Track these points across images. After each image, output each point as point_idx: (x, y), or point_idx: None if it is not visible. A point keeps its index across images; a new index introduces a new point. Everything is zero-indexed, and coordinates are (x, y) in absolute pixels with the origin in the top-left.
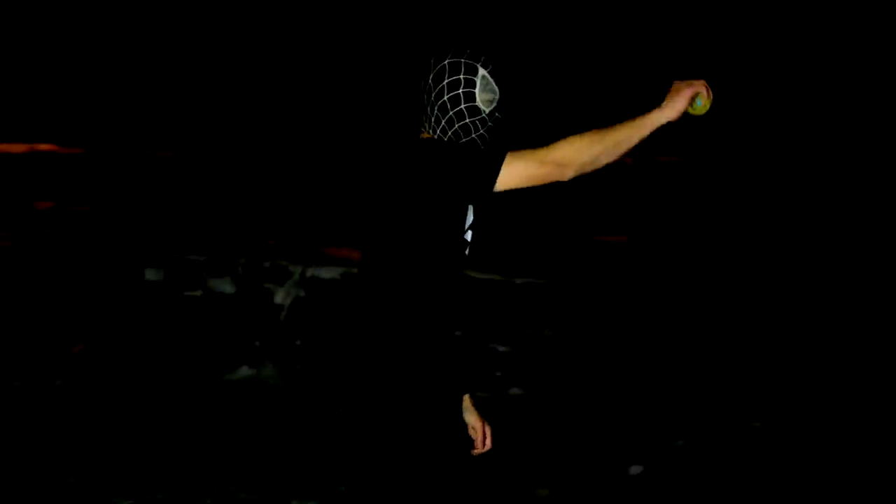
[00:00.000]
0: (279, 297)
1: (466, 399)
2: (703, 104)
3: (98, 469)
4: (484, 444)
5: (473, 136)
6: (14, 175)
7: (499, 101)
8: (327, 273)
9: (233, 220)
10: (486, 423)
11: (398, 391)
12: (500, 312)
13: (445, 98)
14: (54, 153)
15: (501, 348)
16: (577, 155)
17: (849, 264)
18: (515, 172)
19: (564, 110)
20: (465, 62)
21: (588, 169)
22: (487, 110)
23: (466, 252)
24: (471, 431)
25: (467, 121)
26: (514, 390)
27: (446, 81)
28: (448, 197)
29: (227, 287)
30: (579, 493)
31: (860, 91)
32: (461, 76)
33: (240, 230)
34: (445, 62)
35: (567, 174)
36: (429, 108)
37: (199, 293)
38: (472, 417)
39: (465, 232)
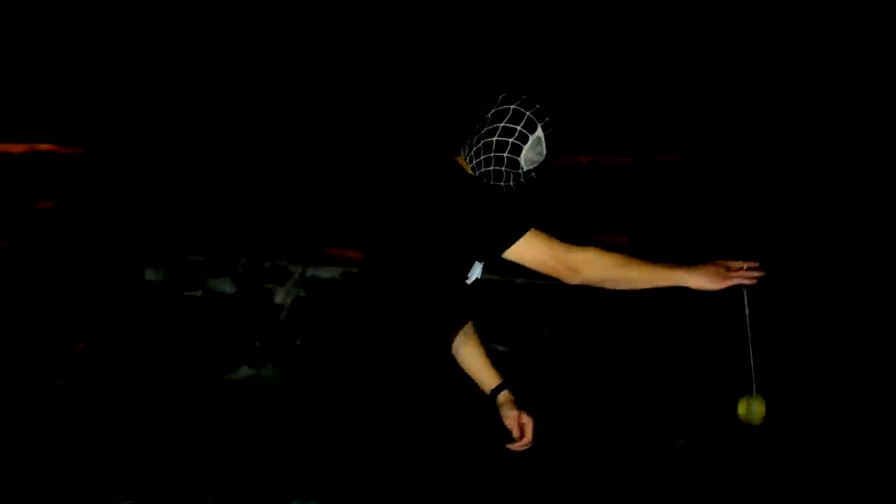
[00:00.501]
0: (279, 297)
1: (505, 394)
2: (757, 412)
3: (98, 469)
4: (522, 438)
5: (502, 183)
6: (14, 175)
7: (540, 165)
8: (327, 273)
9: (233, 220)
10: (523, 415)
11: (369, 383)
12: (500, 312)
13: (495, 139)
14: (54, 153)
15: (501, 348)
16: (593, 271)
17: (849, 264)
18: (529, 252)
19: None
20: (528, 116)
21: (594, 284)
22: (526, 168)
23: (467, 288)
24: (508, 424)
25: (503, 169)
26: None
27: (503, 124)
28: (458, 247)
29: (227, 287)
30: (579, 493)
31: (860, 91)
32: (519, 127)
33: (240, 230)
34: (512, 106)
35: (573, 280)
36: (476, 137)
37: (199, 293)
38: (510, 412)
39: (466, 278)
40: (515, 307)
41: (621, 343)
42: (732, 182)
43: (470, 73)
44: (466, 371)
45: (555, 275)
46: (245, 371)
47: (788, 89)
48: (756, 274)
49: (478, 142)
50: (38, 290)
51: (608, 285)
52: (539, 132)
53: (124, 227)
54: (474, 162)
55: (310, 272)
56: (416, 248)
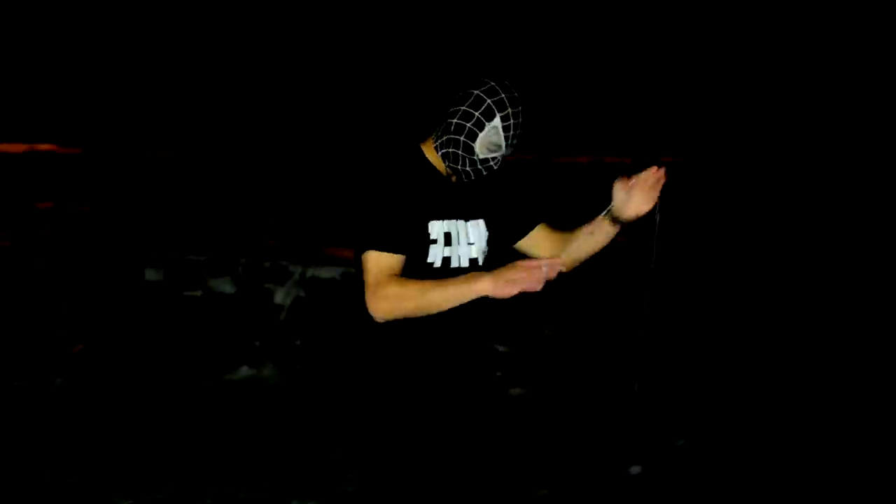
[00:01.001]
0: (279, 297)
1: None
2: None
3: (98, 469)
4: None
5: (458, 167)
6: (14, 175)
7: (501, 157)
8: (327, 273)
9: (233, 220)
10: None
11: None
12: (500, 312)
13: (454, 121)
14: (54, 153)
15: (501, 348)
16: (393, 305)
17: (849, 264)
18: (365, 268)
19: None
20: (489, 104)
21: (397, 317)
22: (482, 156)
23: (444, 272)
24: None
25: (459, 152)
26: (515, 390)
27: (463, 108)
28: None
29: (227, 287)
30: (579, 493)
31: (860, 91)
32: (477, 113)
33: (240, 230)
34: (476, 91)
35: (377, 312)
36: (446, 117)
37: (199, 293)
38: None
39: (427, 262)
40: (515, 307)
41: (621, 343)
42: (732, 182)
43: (469, 74)
44: (592, 247)
45: (367, 297)
46: (245, 371)
47: (788, 89)
48: (549, 273)
49: (443, 121)
50: (38, 290)
51: (416, 314)
52: (497, 122)
53: (124, 227)
54: (437, 142)
55: (310, 272)
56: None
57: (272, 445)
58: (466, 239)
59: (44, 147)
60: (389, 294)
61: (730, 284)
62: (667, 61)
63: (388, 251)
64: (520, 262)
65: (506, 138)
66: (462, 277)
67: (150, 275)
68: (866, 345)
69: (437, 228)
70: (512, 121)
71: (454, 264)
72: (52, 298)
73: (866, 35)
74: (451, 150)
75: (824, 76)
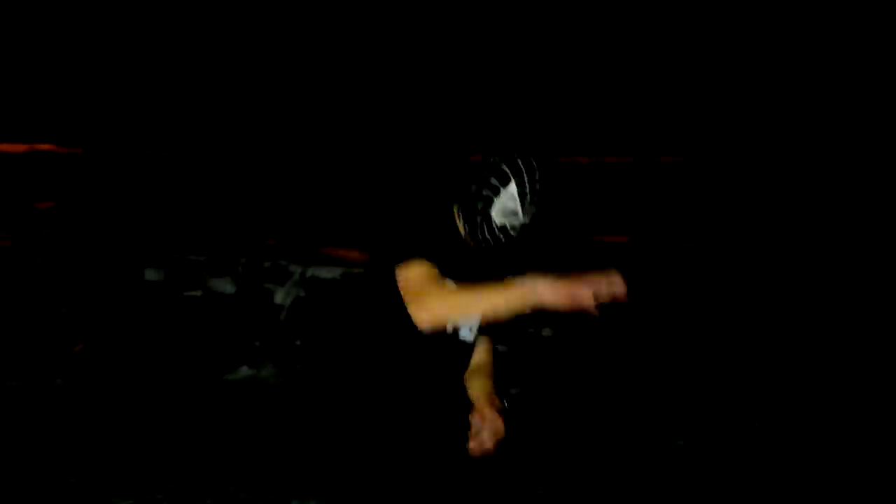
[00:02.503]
0: (279, 297)
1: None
2: None
3: (98, 469)
4: (481, 441)
5: (478, 234)
6: (14, 175)
7: (520, 225)
8: (327, 273)
9: (233, 220)
10: (490, 420)
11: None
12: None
13: (473, 187)
14: (54, 153)
15: (501, 348)
16: (441, 313)
17: (849, 264)
18: (401, 279)
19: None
20: (504, 169)
21: (443, 322)
22: (499, 223)
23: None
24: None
25: (477, 220)
26: (514, 390)
27: (484, 173)
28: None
29: (227, 287)
30: (579, 493)
31: (860, 91)
32: (493, 180)
33: (240, 230)
34: (493, 158)
35: (421, 322)
36: (468, 187)
37: (199, 293)
38: (484, 409)
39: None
40: None
41: (621, 343)
42: (732, 182)
43: (469, 74)
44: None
45: (408, 309)
46: (245, 371)
47: (788, 89)
48: (611, 292)
49: (464, 185)
50: (38, 290)
51: (466, 318)
52: (511, 188)
53: (124, 227)
54: (458, 208)
55: (310, 272)
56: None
57: (272, 445)
58: None
59: (44, 147)
60: (432, 306)
61: (729, 284)
62: (667, 61)
63: (424, 259)
64: (583, 276)
65: (522, 205)
66: (516, 284)
67: (150, 275)
68: (866, 345)
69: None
70: (528, 186)
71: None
72: (52, 298)
73: (866, 35)
74: (470, 217)
75: (825, 76)
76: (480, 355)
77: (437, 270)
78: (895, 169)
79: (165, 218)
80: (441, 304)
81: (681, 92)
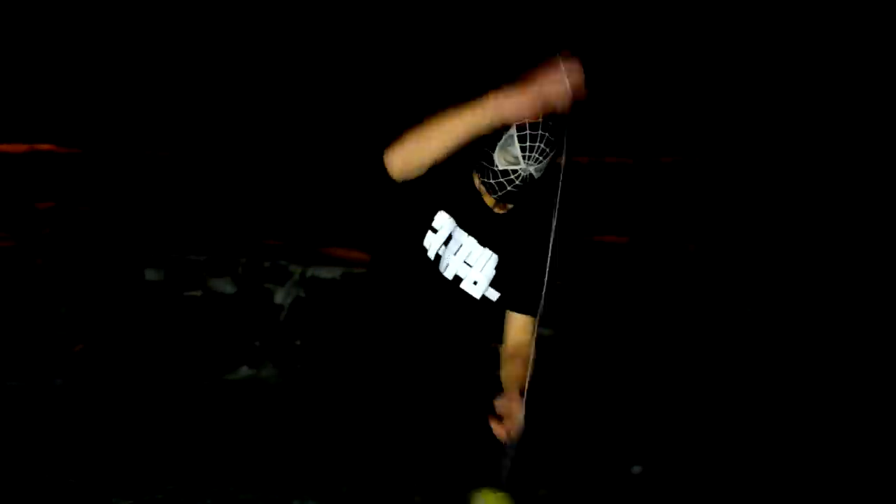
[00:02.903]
0: (279, 297)
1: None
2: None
3: (98, 469)
4: (507, 432)
5: (484, 179)
6: (14, 175)
7: (524, 173)
8: (327, 273)
9: (233, 220)
10: (513, 411)
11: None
12: (499, 312)
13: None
14: (54, 153)
15: (546, 332)
16: (412, 147)
17: (849, 264)
18: (396, 155)
19: None
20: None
21: (415, 166)
22: (501, 168)
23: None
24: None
25: (483, 163)
26: None
27: None
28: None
29: (227, 287)
30: (579, 493)
31: (860, 91)
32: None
33: (240, 230)
34: None
35: (394, 167)
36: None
37: (199, 293)
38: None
39: (423, 239)
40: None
41: (621, 343)
42: (733, 182)
43: (469, 73)
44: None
45: (388, 165)
46: (245, 371)
47: (788, 89)
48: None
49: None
50: (38, 290)
51: (433, 154)
52: (512, 131)
53: (124, 227)
54: (477, 156)
55: (310, 272)
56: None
57: (272, 445)
58: (465, 255)
59: (44, 147)
60: (406, 140)
61: (729, 284)
62: (667, 61)
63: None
64: (536, 73)
65: (522, 149)
66: (470, 101)
67: (150, 275)
68: (866, 345)
69: (443, 221)
70: (528, 131)
71: (441, 267)
72: (52, 298)
73: (866, 35)
74: (479, 161)
75: (825, 76)
76: (520, 335)
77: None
78: (895, 169)
79: (165, 218)
80: (409, 139)
81: (680, 92)
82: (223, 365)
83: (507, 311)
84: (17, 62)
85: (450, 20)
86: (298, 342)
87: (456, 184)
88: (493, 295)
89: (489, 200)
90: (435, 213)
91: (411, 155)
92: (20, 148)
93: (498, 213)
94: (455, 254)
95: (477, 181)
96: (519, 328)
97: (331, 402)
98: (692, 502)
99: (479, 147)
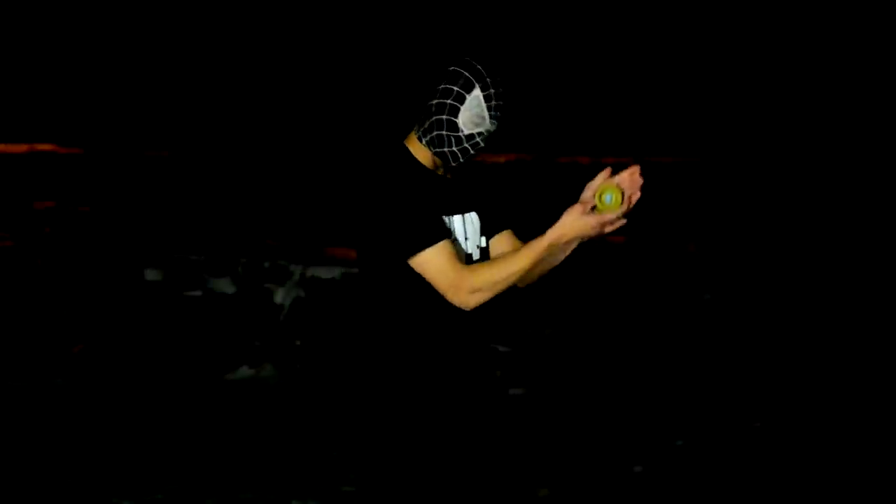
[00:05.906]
0: (279, 297)
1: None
2: (613, 200)
3: (98, 469)
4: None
5: (445, 149)
6: (14, 175)
7: (487, 132)
8: (327, 273)
9: (233, 220)
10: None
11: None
12: (500, 312)
13: (435, 101)
14: (54, 153)
15: (501, 348)
16: (487, 294)
17: (849, 264)
18: (430, 269)
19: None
20: (466, 76)
21: (489, 297)
22: (467, 132)
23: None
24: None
25: (444, 133)
26: (515, 390)
27: (443, 86)
28: (373, 247)
29: (227, 287)
30: (579, 493)
31: (860, 91)
32: (456, 87)
33: (240, 230)
34: (451, 67)
35: (471, 304)
36: (426, 105)
37: (199, 293)
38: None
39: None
40: (516, 307)
41: (621, 343)
42: (733, 182)
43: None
44: (550, 263)
45: (449, 298)
46: (245, 371)
47: (788, 90)
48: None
49: (425, 109)
50: (38, 290)
51: (503, 290)
52: (477, 92)
53: (124, 227)
54: (420, 131)
55: (310, 272)
56: (360, 244)
57: (272, 445)
58: (463, 234)
59: (44, 147)
60: (478, 285)
61: (729, 284)
62: (667, 61)
63: (439, 241)
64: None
65: (488, 108)
66: (528, 245)
67: (150, 275)
68: (866, 345)
69: (448, 223)
70: (492, 90)
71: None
72: (52, 298)
73: (866, 35)
74: (435, 133)
75: (825, 76)
76: (508, 250)
77: (451, 245)
78: (895, 169)
79: (165, 218)
80: (484, 281)
81: (680, 92)
82: (223, 365)
83: (493, 239)
84: (17, 62)
85: (449, 23)
86: (298, 342)
87: (417, 183)
88: (484, 242)
89: (430, 164)
90: (442, 221)
91: (490, 296)
92: (20, 148)
93: (442, 176)
94: (466, 239)
95: (428, 157)
96: (505, 244)
97: (331, 402)
98: (691, 501)
99: (428, 120)
